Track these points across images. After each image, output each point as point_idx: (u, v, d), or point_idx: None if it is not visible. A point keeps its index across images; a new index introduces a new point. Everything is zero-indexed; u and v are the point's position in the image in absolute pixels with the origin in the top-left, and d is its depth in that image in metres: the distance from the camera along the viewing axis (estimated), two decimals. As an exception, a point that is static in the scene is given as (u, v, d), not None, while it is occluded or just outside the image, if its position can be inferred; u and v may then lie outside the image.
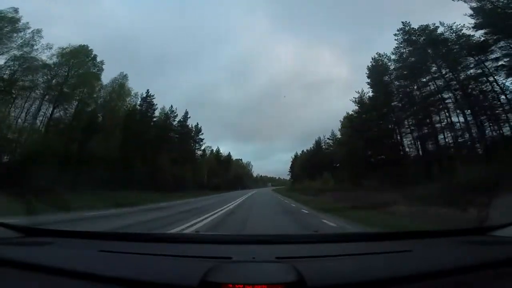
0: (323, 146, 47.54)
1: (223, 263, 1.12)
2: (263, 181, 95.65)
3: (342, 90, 71.34)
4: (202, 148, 47.75)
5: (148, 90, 35.89)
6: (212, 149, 57.16)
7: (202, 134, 46.62)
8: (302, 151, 59.85)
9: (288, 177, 72.51)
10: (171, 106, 40.16)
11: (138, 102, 34.76)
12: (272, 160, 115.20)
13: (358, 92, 30.27)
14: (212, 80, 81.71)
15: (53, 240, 1.52)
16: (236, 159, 72.38)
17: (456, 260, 1.15)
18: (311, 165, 46.29)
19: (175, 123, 40.93)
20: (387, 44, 56.55)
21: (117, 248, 1.41)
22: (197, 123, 46.21)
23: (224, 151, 63.40)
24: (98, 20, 61.85)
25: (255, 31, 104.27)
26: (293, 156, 65.63)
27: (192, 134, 44.67)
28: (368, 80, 28.46)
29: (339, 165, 36.31)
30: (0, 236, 1.53)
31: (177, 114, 40.72)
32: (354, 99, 30.51)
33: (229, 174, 59.98)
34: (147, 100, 36.12)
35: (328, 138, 45.38)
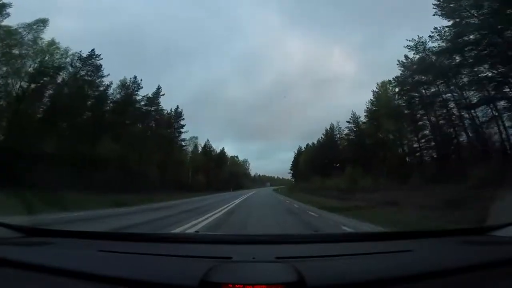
0: (338, 136, 37.62)
1: (223, 263, 1.12)
2: (261, 180, 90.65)
3: (347, 90, 68.27)
4: (183, 138, 37.28)
5: (93, 49, 24.43)
6: (204, 144, 47.85)
7: (183, 119, 35.52)
8: (307, 144, 49.85)
9: (288, 176, 66.26)
10: (135, 77, 28.51)
11: (77, 65, 23.42)
12: (271, 160, 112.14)
13: (413, 40, 21.62)
14: (214, 78, 79.48)
15: (53, 240, 1.52)
16: (231, 156, 63.62)
17: (456, 260, 1.16)
18: (323, 159, 36.70)
19: (138, 97, 29.26)
20: (398, 44, 53.59)
21: (117, 248, 1.41)
22: (177, 105, 35.15)
23: (217, 147, 54.09)
24: (102, 10, 59.97)
25: (263, 28, 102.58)
26: (296, 152, 55.90)
27: (172, 121, 35.02)
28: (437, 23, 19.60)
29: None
30: (0, 236, 1.53)
31: (142, 87, 29.21)
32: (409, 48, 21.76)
33: (222, 173, 51.90)
34: (90, 62, 24.16)
35: (348, 122, 33.34)
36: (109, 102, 26.84)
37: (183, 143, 38.20)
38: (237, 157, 69.18)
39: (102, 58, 24.88)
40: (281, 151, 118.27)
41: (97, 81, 25.01)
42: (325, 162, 36.07)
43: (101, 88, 25.66)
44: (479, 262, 1.12)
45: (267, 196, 29.30)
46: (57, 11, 48.16)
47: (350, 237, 1.77)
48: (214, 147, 51.75)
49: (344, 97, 67.71)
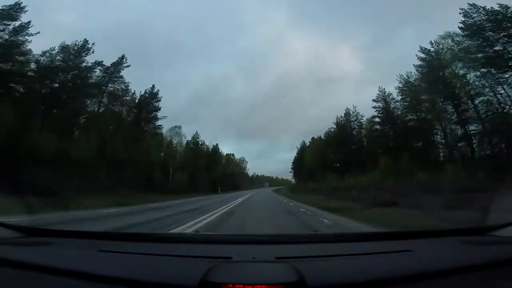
0: (356, 123, 30.41)
1: (223, 263, 1.12)
2: (260, 180, 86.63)
3: (349, 90, 65.25)
4: (159, 124, 30.03)
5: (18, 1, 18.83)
6: (192, 137, 40.54)
7: (159, 100, 29.25)
8: (313, 138, 42.87)
9: (288, 176, 61.08)
10: (85, 40, 22.48)
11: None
12: (270, 160, 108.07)
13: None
14: (213, 76, 77.09)
15: (53, 240, 1.52)
16: (227, 153, 56.98)
17: (456, 260, 1.16)
18: (337, 153, 30.37)
19: (88, 64, 22.52)
20: (407, 43, 51.16)
21: (117, 248, 1.41)
22: (153, 85, 29.52)
23: (215, 145, 48.22)
24: (103, 4, 57.34)
25: (264, 27, 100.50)
26: (299, 147, 48.64)
27: (144, 100, 28.55)
28: None
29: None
30: (0, 236, 1.53)
31: (93, 51, 22.48)
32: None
33: (214, 171, 44.84)
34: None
35: (375, 101, 26.59)
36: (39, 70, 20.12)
37: (159, 130, 30.75)
38: (233, 155, 62.03)
39: (26, 10, 18.38)
40: (280, 151, 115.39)
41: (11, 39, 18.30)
42: (342, 155, 29.50)
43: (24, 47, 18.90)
44: (479, 262, 1.12)
45: (267, 199, 22.08)
46: (58, 4, 47.26)
47: (350, 237, 1.77)
48: (207, 142, 45.42)
49: (346, 97, 66.32)
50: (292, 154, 56.40)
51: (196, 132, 42.18)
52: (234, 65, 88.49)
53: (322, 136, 37.39)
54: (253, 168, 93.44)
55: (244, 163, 68.90)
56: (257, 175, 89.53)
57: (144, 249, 1.40)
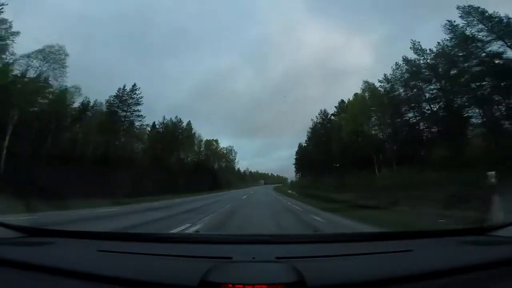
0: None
1: (223, 263, 1.12)
2: (253, 178, 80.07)
3: (351, 87, 64.82)
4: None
5: None
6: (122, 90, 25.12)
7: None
8: (341, 101, 30.95)
9: (283, 174, 57.50)
10: None
11: None
12: (265, 158, 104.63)
13: None
14: (211, 71, 77.04)
15: (53, 240, 1.52)
16: (206, 139, 41.81)
17: (456, 260, 1.16)
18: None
19: None
20: (421, 39, 48.70)
21: (117, 248, 1.41)
22: None
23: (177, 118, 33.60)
24: None
25: (265, 25, 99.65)
26: (316, 119, 35.32)
27: None
28: None
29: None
30: (0, 236, 1.53)
31: None
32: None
33: (177, 162, 31.00)
34: None
35: None
36: None
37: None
38: (216, 141, 46.45)
39: None
40: (276, 149, 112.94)
41: None
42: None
43: None
44: (479, 262, 1.13)
45: None
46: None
47: (350, 237, 1.77)
48: (174, 120, 31.04)
49: (347, 94, 64.76)
50: (290, 152, 51.67)
51: (124, 86, 24.22)
52: (235, 63, 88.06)
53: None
54: (247, 166, 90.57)
55: (233, 154, 54.59)
56: (250, 171, 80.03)
57: (144, 249, 1.40)
